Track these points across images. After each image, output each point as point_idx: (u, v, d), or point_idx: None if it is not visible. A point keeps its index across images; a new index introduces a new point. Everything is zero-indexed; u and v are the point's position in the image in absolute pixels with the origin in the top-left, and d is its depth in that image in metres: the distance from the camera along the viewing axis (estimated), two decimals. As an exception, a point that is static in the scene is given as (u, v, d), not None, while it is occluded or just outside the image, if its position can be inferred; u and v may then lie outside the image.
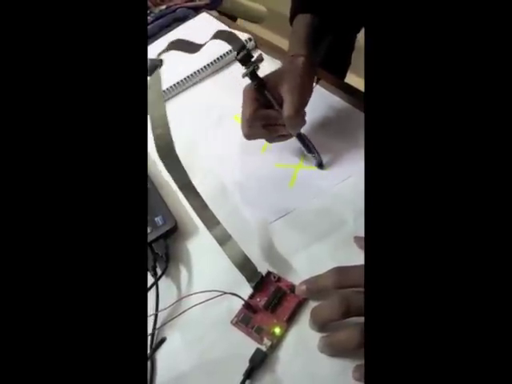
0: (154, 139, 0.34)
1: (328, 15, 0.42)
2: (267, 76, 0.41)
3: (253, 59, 0.38)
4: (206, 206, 0.36)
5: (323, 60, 0.63)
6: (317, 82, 0.47)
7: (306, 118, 0.41)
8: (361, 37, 0.67)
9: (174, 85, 0.59)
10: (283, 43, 0.69)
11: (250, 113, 0.40)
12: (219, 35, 0.42)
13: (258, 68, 0.38)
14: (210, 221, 0.36)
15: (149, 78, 0.39)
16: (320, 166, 0.43)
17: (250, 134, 0.42)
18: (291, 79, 0.39)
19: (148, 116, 0.33)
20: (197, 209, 0.36)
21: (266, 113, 0.40)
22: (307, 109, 0.41)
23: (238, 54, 0.38)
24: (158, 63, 0.40)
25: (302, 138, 0.42)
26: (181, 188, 0.36)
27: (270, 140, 0.44)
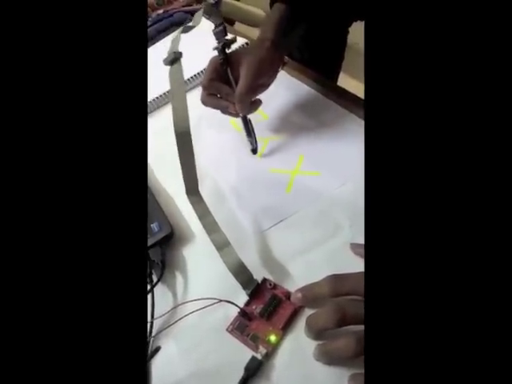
0: (174, 126, 0.37)
1: (299, 7, 0.44)
2: (233, 52, 0.44)
3: (226, 37, 0.42)
4: (209, 212, 0.38)
5: (314, 56, 0.64)
6: (282, 67, 0.51)
7: (302, 122, 0.42)
8: (358, 37, 0.67)
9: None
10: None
11: (206, 81, 0.44)
12: (206, 10, 0.48)
13: (229, 47, 0.42)
14: (211, 227, 0.37)
15: (170, 68, 0.44)
16: (254, 151, 0.47)
17: (204, 100, 0.46)
18: (251, 62, 0.42)
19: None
20: (200, 214, 0.38)
21: (220, 87, 0.44)
22: (305, 112, 0.41)
23: (216, 27, 0.42)
24: (178, 55, 0.44)
25: (246, 121, 0.45)
26: (187, 191, 0.38)
27: (222, 112, 0.47)
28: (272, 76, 0.45)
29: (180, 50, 0.46)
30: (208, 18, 0.54)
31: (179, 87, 0.43)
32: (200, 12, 0.52)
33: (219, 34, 0.42)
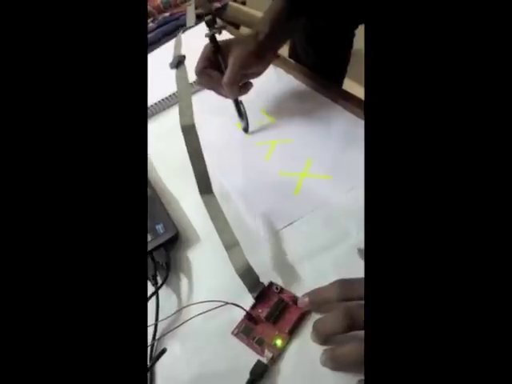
0: (180, 121, 0.39)
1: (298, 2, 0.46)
2: (225, 41, 0.46)
3: (216, 25, 0.44)
4: (221, 211, 0.37)
5: (320, 58, 0.66)
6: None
7: (309, 125, 0.45)
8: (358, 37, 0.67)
9: (176, 92, 0.59)
10: (285, 50, 0.70)
11: (199, 69, 0.47)
12: (196, 3, 0.53)
13: (219, 33, 0.45)
14: (223, 226, 0.36)
15: (176, 71, 0.46)
16: (245, 130, 0.50)
17: (198, 82, 0.51)
18: (239, 51, 0.44)
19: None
20: (212, 214, 0.37)
21: (211, 73, 0.47)
22: (311, 115, 0.43)
23: (205, 16, 0.44)
24: (182, 58, 0.46)
25: (237, 103, 0.49)
26: (200, 190, 0.38)
27: (216, 93, 0.50)
28: (263, 67, 0.47)
29: (183, 53, 0.47)
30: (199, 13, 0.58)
31: (185, 89, 0.44)
32: (191, 7, 0.54)
33: (209, 23, 0.44)
